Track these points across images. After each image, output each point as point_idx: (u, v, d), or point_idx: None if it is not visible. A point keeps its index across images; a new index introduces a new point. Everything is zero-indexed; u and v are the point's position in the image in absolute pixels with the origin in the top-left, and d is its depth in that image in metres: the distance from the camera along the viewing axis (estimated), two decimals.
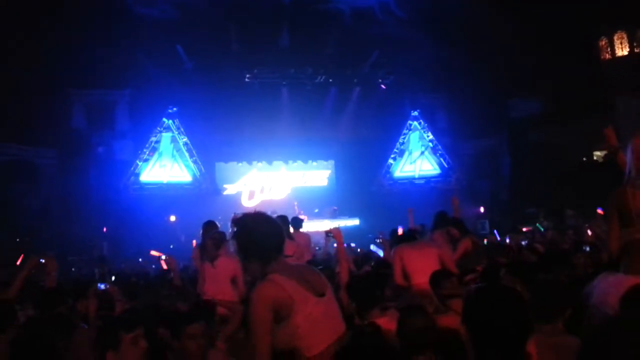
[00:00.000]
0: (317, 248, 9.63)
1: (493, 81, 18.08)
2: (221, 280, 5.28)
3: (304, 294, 2.39)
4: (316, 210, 18.32)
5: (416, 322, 3.01)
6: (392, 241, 7.86)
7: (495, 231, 10.04)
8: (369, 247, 10.43)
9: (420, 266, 5.00)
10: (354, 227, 17.67)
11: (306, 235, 7.41)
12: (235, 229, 2.58)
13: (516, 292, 1.92)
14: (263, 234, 2.50)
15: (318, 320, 2.38)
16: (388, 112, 20.39)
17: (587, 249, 5.39)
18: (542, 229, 11.98)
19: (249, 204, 19.57)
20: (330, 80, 20.12)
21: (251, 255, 2.54)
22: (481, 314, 1.78)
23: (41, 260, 4.94)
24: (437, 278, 4.56)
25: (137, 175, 18.58)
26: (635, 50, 17.90)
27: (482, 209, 16.24)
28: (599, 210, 4.82)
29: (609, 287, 2.69)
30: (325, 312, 2.43)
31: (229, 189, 19.94)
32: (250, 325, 2.37)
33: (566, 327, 2.62)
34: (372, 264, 6.82)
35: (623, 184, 3.06)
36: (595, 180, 15.09)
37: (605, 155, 17.46)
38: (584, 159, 18.44)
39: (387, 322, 3.39)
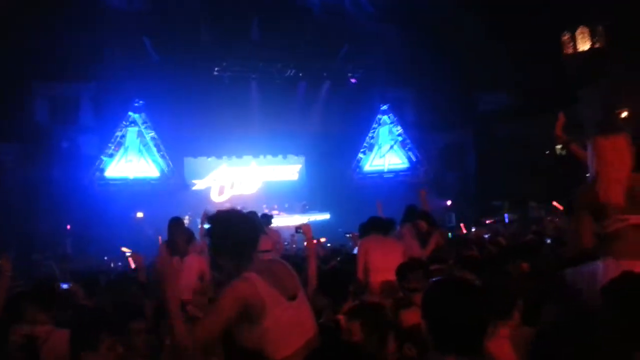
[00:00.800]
0: (285, 243, 9.64)
1: (460, 75, 18.36)
2: (190, 277, 5.24)
3: (276, 297, 2.36)
4: (286, 205, 18.32)
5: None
6: (361, 234, 7.94)
7: (461, 224, 10.21)
8: (339, 241, 10.51)
9: (383, 263, 5.03)
10: (325, 222, 17.74)
11: (275, 232, 7.46)
12: (208, 226, 2.55)
13: (474, 286, 1.96)
14: (238, 230, 2.47)
15: (287, 323, 2.36)
16: (358, 107, 20.47)
17: (549, 241, 5.54)
18: (506, 221, 12.28)
19: (219, 199, 19.40)
20: (300, 74, 20.06)
21: (226, 252, 2.52)
22: (438, 309, 1.80)
23: None
24: (403, 270, 4.61)
25: (102, 170, 18.17)
26: (596, 45, 18.40)
27: (449, 202, 16.51)
28: (556, 204, 4.93)
29: (607, 272, 2.74)
30: (295, 316, 2.41)
31: (198, 184, 19.72)
32: (210, 308, 2.40)
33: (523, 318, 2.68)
34: (338, 259, 6.84)
35: (588, 180, 3.15)
36: (558, 173, 15.55)
37: (562, 147, 18.03)
38: (547, 152, 18.91)
39: None
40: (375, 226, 5.62)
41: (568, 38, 19.24)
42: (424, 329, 1.85)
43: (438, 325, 1.78)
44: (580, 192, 3.16)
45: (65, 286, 5.63)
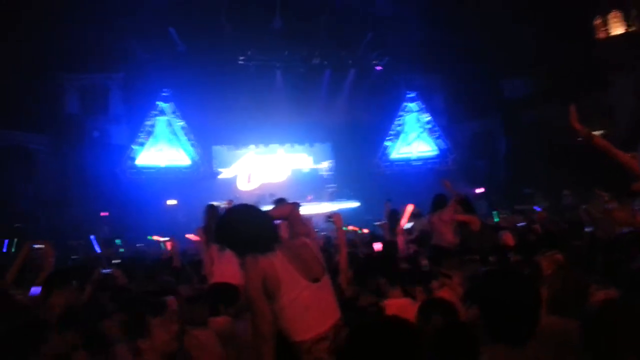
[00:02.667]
0: (316, 230, 9.68)
1: (488, 60, 18.01)
2: (230, 261, 5.29)
3: (294, 276, 2.43)
4: (309, 197, 18.36)
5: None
6: (391, 223, 7.95)
7: (494, 212, 10.11)
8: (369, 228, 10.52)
9: None
10: (353, 210, 17.74)
11: (307, 219, 7.47)
12: (217, 227, 2.61)
13: (528, 277, 1.94)
14: (247, 228, 2.50)
15: (305, 305, 2.41)
16: (383, 94, 20.33)
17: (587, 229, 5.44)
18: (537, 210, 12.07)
19: (246, 187, 19.55)
20: (325, 62, 19.98)
21: (238, 249, 2.56)
22: (496, 298, 1.79)
23: (35, 245, 4.99)
24: (438, 256, 4.63)
25: (133, 159, 18.49)
26: (630, 29, 17.84)
27: (480, 190, 16.30)
28: (599, 192, 4.81)
29: None
30: (316, 297, 2.45)
31: (225, 173, 19.88)
32: (247, 292, 2.47)
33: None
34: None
35: None
36: (590, 160, 15.18)
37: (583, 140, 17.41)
38: (579, 138, 18.49)
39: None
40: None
41: (600, 22, 18.71)
42: (474, 316, 1.84)
43: (492, 314, 1.78)
44: None
45: (106, 271, 5.78)
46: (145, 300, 2.79)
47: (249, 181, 19.85)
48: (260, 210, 2.66)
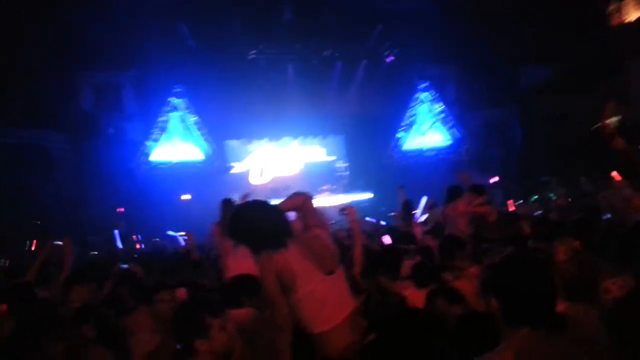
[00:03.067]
0: (332, 222, 9.70)
1: (501, 49, 17.81)
2: (245, 255, 5.31)
3: (311, 271, 2.47)
4: (324, 187, 18.38)
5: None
6: (405, 213, 7.94)
7: (509, 201, 10.04)
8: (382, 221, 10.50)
9: None
10: (367, 201, 17.75)
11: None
12: (230, 222, 2.61)
13: (543, 260, 1.95)
14: (261, 225, 2.51)
15: (322, 298, 2.45)
16: (396, 85, 20.17)
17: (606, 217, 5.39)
18: (553, 197, 11.98)
19: (259, 181, 19.63)
20: (337, 54, 19.91)
21: (251, 245, 2.60)
22: (512, 284, 1.80)
23: (56, 242, 5.10)
24: (451, 248, 4.64)
25: (147, 155, 18.65)
26: None
27: (495, 179, 16.19)
28: (616, 175, 4.76)
29: None
30: (331, 289, 2.50)
31: (237, 167, 19.94)
32: (263, 287, 2.52)
33: None
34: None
35: None
36: (606, 148, 14.98)
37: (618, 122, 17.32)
38: (595, 126, 18.25)
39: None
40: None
41: (615, 8, 18.39)
42: (493, 305, 1.85)
43: (509, 300, 1.79)
44: None
45: (124, 267, 5.88)
46: (205, 301, 2.75)
47: (261, 175, 19.92)
48: (271, 206, 2.65)
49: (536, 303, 1.75)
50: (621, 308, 1.73)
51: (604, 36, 17.71)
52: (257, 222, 2.51)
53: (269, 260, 2.46)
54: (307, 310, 2.44)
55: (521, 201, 10.12)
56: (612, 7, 18.34)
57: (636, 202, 3.77)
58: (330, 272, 2.53)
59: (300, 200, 2.84)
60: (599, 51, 16.92)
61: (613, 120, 3.55)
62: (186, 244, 7.50)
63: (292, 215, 2.86)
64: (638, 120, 15.46)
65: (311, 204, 2.85)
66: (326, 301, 2.44)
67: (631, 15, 17.89)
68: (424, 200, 7.46)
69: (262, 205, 2.65)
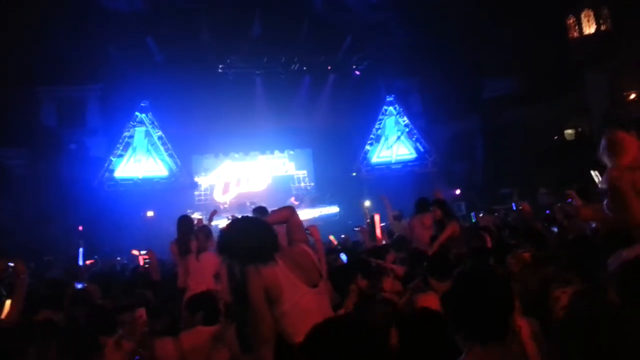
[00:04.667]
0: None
1: (465, 62, 18.22)
2: (206, 274, 5.24)
3: (295, 283, 2.55)
4: (292, 201, 18.33)
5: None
6: (371, 228, 7.94)
7: (472, 213, 10.19)
8: (348, 235, 10.52)
9: None
10: (334, 215, 17.77)
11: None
12: (220, 237, 2.69)
13: (494, 276, 1.95)
14: (250, 239, 2.57)
15: (306, 309, 2.52)
16: (363, 98, 20.41)
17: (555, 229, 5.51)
18: (514, 208, 12.24)
19: (223, 198, 19.39)
20: (304, 68, 20.03)
21: (241, 260, 2.62)
22: (459, 301, 1.80)
23: (10, 264, 4.90)
24: (413, 261, 4.67)
25: (112, 171, 18.30)
26: (602, 28, 18.17)
27: (458, 191, 16.45)
28: (571, 192, 4.90)
29: None
30: (315, 301, 2.58)
31: (203, 183, 19.67)
32: (250, 299, 2.54)
33: None
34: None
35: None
36: (566, 158, 15.45)
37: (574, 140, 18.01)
38: (555, 137, 18.77)
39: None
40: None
41: (573, 21, 19.02)
42: (448, 320, 1.85)
43: (460, 317, 1.78)
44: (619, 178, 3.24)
45: (79, 286, 5.70)
46: (99, 320, 2.77)
47: (227, 190, 19.66)
48: (260, 221, 2.75)
49: (489, 317, 1.73)
50: (568, 317, 1.73)
51: (564, 48, 18.30)
52: (247, 237, 2.56)
53: (257, 274, 2.51)
54: (291, 321, 2.50)
55: (482, 214, 10.27)
56: (570, 20, 18.98)
57: (584, 213, 3.87)
58: (314, 285, 2.61)
59: (287, 214, 2.92)
60: (559, 63, 17.46)
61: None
62: (146, 263, 7.34)
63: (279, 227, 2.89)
64: (596, 130, 15.99)
65: (297, 218, 2.94)
66: (309, 312, 2.48)
67: (588, 28, 18.55)
68: (377, 218, 7.48)
69: (251, 221, 2.73)
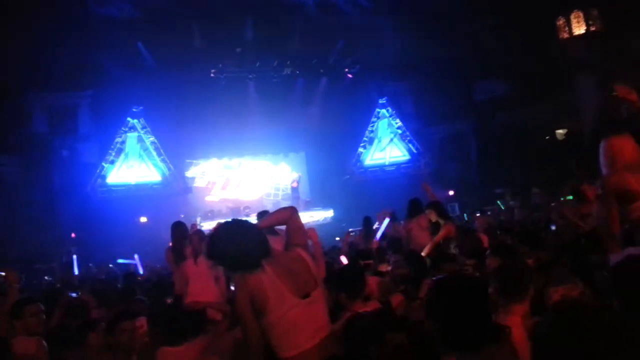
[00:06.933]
0: None
1: (457, 65, 18.29)
2: (205, 278, 5.17)
3: (283, 294, 2.40)
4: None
5: None
6: (365, 231, 7.92)
7: (465, 214, 10.22)
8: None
9: None
10: (328, 218, 17.75)
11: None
12: (208, 243, 2.56)
13: (474, 283, 1.93)
14: (238, 246, 2.45)
15: (293, 324, 2.39)
16: (356, 101, 20.42)
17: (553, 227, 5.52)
18: (502, 207, 12.29)
19: (216, 198, 19.36)
20: (297, 71, 20.04)
21: (228, 267, 2.56)
22: (437, 308, 1.77)
23: (1, 273, 4.85)
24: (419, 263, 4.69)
25: (104, 177, 18.15)
26: (591, 29, 18.31)
27: (451, 192, 16.47)
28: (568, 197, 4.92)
29: None
30: (303, 316, 2.42)
31: (196, 187, 19.61)
32: (235, 307, 2.49)
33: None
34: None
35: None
36: (558, 158, 15.57)
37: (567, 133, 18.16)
38: (547, 137, 18.89)
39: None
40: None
41: (563, 22, 19.15)
42: (428, 327, 1.83)
43: (438, 324, 1.76)
44: (609, 181, 3.18)
45: (73, 295, 5.64)
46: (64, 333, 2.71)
47: (220, 195, 19.59)
48: (249, 226, 2.57)
49: (468, 323, 1.70)
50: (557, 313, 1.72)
51: (554, 50, 18.42)
52: (232, 244, 2.43)
53: (243, 282, 2.42)
54: (275, 335, 2.39)
55: (478, 214, 10.31)
56: (559, 22, 19.11)
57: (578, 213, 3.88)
58: (306, 296, 2.45)
59: (287, 215, 2.74)
60: (549, 64, 17.57)
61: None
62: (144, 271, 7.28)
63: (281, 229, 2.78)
64: (586, 131, 16.11)
65: (298, 219, 2.74)
66: (296, 327, 2.38)
67: (578, 29, 18.69)
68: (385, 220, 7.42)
69: (239, 225, 2.55)
